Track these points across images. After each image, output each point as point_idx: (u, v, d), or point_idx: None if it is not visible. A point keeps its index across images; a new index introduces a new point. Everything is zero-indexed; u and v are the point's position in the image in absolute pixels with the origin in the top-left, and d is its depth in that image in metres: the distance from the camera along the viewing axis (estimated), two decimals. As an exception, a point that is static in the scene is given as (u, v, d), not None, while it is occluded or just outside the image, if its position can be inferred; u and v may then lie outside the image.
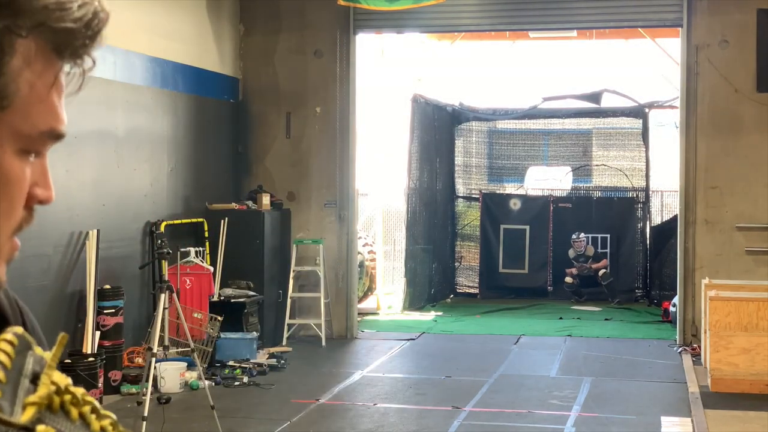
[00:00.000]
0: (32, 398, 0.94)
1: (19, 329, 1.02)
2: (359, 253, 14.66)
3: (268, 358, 11.15)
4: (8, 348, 0.97)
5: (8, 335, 0.99)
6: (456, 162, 18.22)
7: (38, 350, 1.01)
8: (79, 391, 0.99)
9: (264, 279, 12.10)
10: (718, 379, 9.74)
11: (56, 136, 1.03)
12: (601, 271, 16.70)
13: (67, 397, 0.97)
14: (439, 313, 15.50)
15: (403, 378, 10.77)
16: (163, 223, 10.93)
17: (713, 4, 12.18)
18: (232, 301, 11.35)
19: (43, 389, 0.95)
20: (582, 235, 16.93)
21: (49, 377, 0.97)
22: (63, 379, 0.98)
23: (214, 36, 12.56)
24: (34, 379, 0.97)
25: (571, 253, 17.00)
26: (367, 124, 15.31)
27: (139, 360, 9.91)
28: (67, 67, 1.03)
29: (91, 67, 1.04)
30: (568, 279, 16.88)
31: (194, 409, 8.87)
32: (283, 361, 11.06)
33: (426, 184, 16.77)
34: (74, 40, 1.00)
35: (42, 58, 0.99)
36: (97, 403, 1.00)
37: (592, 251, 16.94)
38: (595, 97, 16.43)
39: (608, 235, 17.21)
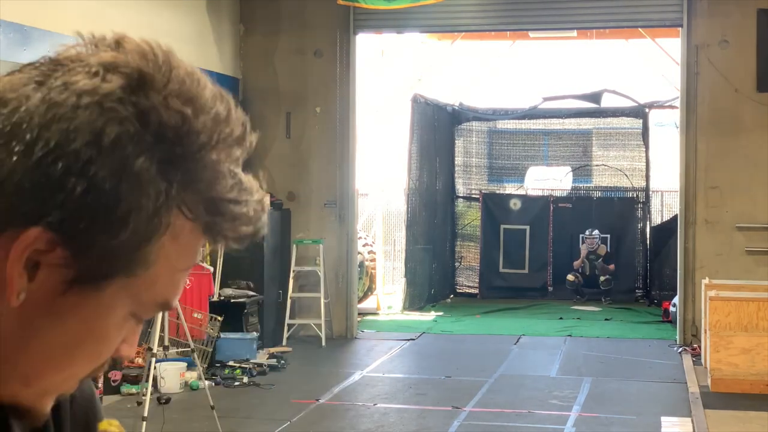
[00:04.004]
0: None
1: (116, 426, 1.03)
2: (359, 253, 14.66)
3: (268, 358, 11.14)
4: None
5: (115, 428, 1.00)
6: (456, 162, 18.22)
7: None
8: None
9: (264, 279, 12.10)
10: (718, 379, 9.74)
11: (166, 307, 1.01)
12: (603, 278, 16.63)
13: None
14: (439, 313, 15.50)
15: (403, 378, 10.77)
16: (163, 223, 10.92)
17: (713, 4, 12.18)
18: (232, 301, 11.34)
19: None
20: (596, 232, 16.85)
21: None
22: None
23: (214, 36, 12.56)
24: None
25: (584, 249, 16.89)
26: (367, 124, 15.32)
27: (139, 360, 9.90)
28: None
29: (230, 246, 1.01)
30: (570, 277, 16.84)
31: (194, 409, 8.86)
32: (283, 361, 11.06)
33: (426, 184, 16.77)
34: (228, 232, 0.99)
35: (192, 239, 0.97)
36: None
37: (604, 251, 16.85)
38: (595, 97, 16.43)
39: (608, 235, 17.20)
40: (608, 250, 16.93)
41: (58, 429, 1.10)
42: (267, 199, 1.03)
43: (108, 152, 0.89)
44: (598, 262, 16.75)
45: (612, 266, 16.75)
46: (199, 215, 0.95)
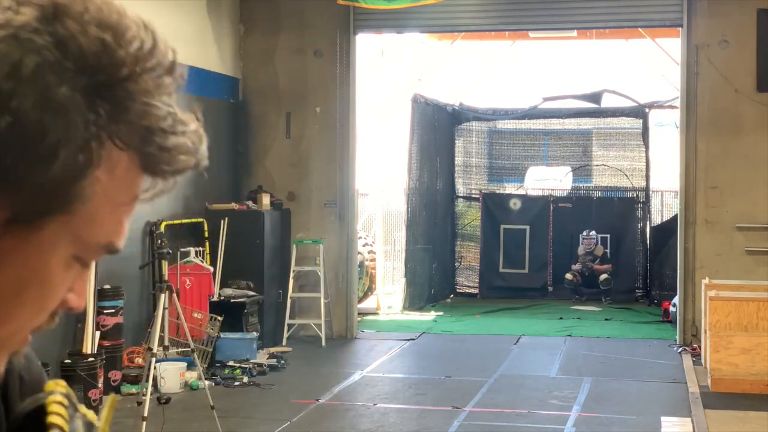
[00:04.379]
0: None
1: (63, 386, 1.01)
2: (359, 253, 14.66)
3: (268, 358, 11.14)
4: (63, 411, 0.97)
5: (58, 396, 0.98)
6: (456, 162, 18.22)
7: (82, 409, 1.01)
8: None
9: (264, 279, 12.10)
10: (718, 379, 9.74)
11: (112, 250, 0.99)
12: (603, 276, 16.66)
13: None
14: (439, 313, 15.49)
15: (403, 378, 10.77)
16: (163, 223, 10.93)
17: (713, 4, 12.18)
18: (232, 301, 11.34)
19: None
20: (593, 233, 16.89)
21: None
22: None
23: (214, 36, 12.56)
24: None
25: (581, 250, 16.94)
26: (367, 124, 15.32)
27: (139, 360, 9.90)
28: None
29: (171, 186, 1.00)
30: (569, 276, 16.85)
31: (194, 409, 8.87)
32: (283, 361, 11.06)
33: (426, 184, 16.77)
34: (165, 164, 0.97)
35: (128, 173, 0.95)
36: None
37: (601, 251, 16.87)
38: (595, 97, 16.43)
39: (608, 235, 17.21)
40: (606, 250, 16.95)
41: (7, 408, 1.08)
42: (203, 132, 1.02)
43: (28, 83, 0.88)
44: (596, 263, 16.76)
45: (609, 266, 16.77)
46: (133, 146, 0.93)
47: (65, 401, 0.98)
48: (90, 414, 1.02)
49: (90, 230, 0.95)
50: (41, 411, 0.98)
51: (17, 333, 0.97)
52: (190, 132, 0.99)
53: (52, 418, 0.96)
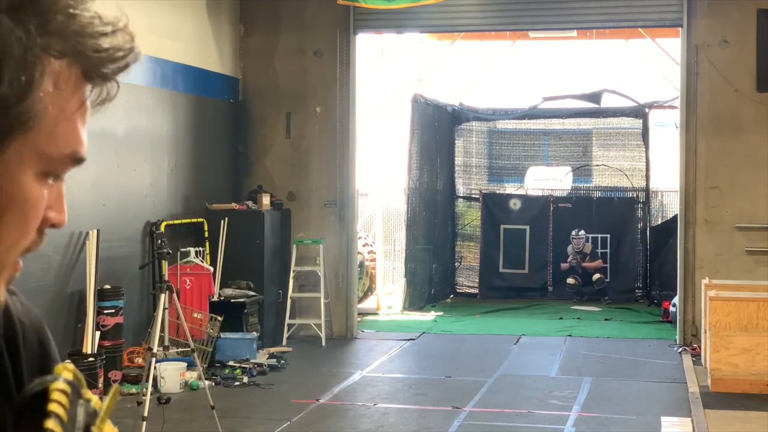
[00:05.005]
0: None
1: (69, 373, 1.02)
2: (359, 253, 14.66)
3: (268, 358, 11.14)
4: (63, 399, 0.98)
5: (61, 384, 0.99)
6: (456, 162, 18.22)
7: (86, 394, 1.02)
8: None
9: (264, 279, 12.10)
10: (718, 379, 9.74)
11: (77, 159, 1.02)
12: (595, 276, 16.69)
13: None
14: (439, 313, 15.50)
15: (403, 378, 10.77)
16: (163, 223, 10.93)
17: (713, 4, 12.18)
18: (232, 301, 11.34)
19: None
20: (582, 232, 16.95)
21: (101, 431, 0.98)
22: (112, 431, 1.00)
23: (214, 36, 12.56)
24: None
25: (570, 249, 17.03)
26: (367, 124, 15.32)
27: (139, 360, 9.91)
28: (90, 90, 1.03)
29: (116, 91, 1.03)
30: (570, 280, 16.87)
31: (194, 409, 8.87)
32: (283, 361, 11.06)
33: (426, 184, 16.78)
34: (104, 66, 1.00)
35: (71, 81, 0.99)
36: None
37: (589, 249, 16.96)
38: (595, 97, 16.43)
39: (608, 235, 17.22)
40: (593, 247, 17.00)
41: (11, 352, 1.10)
42: (131, 30, 1.05)
43: None
44: (585, 261, 16.80)
45: (599, 261, 16.82)
46: (69, 53, 0.97)
47: (68, 389, 0.99)
48: (95, 399, 1.03)
49: (51, 143, 0.98)
50: (45, 394, 1.00)
51: (8, 255, 0.99)
52: (120, 31, 1.02)
53: (52, 406, 0.98)
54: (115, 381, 9.51)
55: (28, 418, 0.99)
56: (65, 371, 1.02)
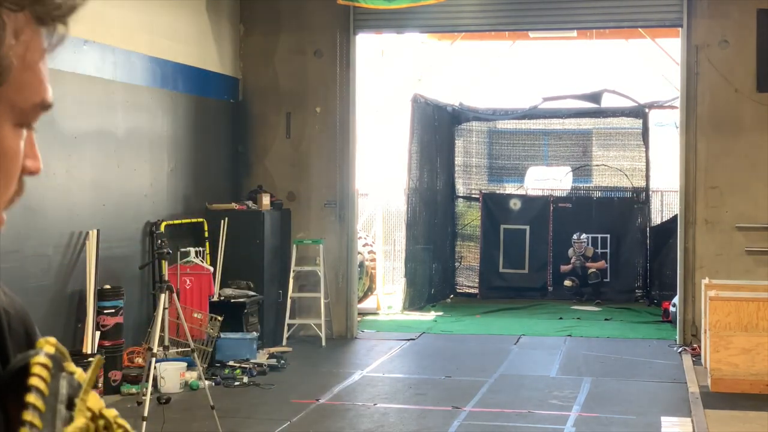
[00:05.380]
0: (70, 430, 0.94)
1: (51, 347, 1.02)
2: (359, 253, 14.66)
3: (268, 358, 11.15)
4: (44, 373, 0.98)
5: (42, 358, 0.99)
6: (456, 162, 18.23)
7: (69, 366, 1.02)
8: (112, 413, 1.00)
9: (264, 279, 12.10)
10: (718, 379, 9.74)
11: (46, 106, 1.05)
12: (590, 270, 16.71)
13: (101, 423, 0.98)
14: (439, 313, 15.50)
15: (403, 378, 10.77)
16: (163, 223, 10.93)
17: (713, 4, 12.18)
18: (232, 301, 11.35)
19: (80, 419, 0.96)
20: (583, 236, 16.93)
21: (84, 403, 0.98)
22: (97, 403, 0.99)
23: (214, 36, 12.56)
24: (70, 405, 0.98)
25: (571, 252, 17.02)
26: (367, 124, 15.32)
27: (139, 360, 9.90)
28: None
29: (66, 33, 1.05)
30: (567, 282, 16.87)
31: (194, 409, 8.87)
32: (283, 361, 11.06)
33: (426, 184, 16.78)
34: (56, 9, 1.02)
35: (29, 30, 1.01)
36: (128, 426, 1.02)
37: (591, 252, 16.96)
38: (595, 97, 16.43)
39: (608, 235, 17.22)
40: (596, 250, 17.00)
41: None
42: None
43: None
44: (587, 262, 16.80)
45: (602, 263, 16.82)
46: (24, 4, 0.99)
47: (49, 362, 0.99)
48: (79, 372, 1.03)
49: (21, 95, 1.01)
50: (27, 369, 1.00)
51: None
52: None
53: (32, 380, 0.98)
54: (115, 381, 9.53)
55: (13, 394, 1.00)
56: (47, 345, 1.03)
